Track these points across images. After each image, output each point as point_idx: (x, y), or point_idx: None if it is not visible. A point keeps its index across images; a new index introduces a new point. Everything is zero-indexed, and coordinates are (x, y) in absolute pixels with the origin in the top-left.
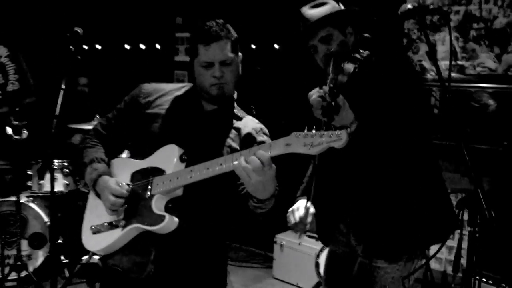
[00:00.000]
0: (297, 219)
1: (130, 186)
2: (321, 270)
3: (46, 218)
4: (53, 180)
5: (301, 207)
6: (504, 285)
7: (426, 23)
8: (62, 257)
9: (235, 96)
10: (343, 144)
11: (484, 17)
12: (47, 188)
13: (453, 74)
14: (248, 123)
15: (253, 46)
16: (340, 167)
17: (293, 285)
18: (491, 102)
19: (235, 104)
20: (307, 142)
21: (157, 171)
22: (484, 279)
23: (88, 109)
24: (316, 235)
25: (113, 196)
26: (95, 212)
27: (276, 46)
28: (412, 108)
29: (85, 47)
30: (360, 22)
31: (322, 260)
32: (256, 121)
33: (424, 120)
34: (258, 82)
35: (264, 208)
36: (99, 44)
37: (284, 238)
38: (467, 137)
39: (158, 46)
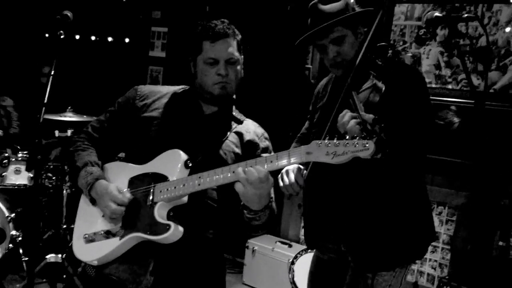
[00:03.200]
0: (292, 180)
1: (129, 192)
2: (296, 277)
3: (6, 212)
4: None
5: (295, 169)
6: None
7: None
8: (22, 254)
9: (234, 97)
10: (370, 154)
11: (470, 34)
12: (10, 180)
13: (435, 86)
14: (250, 127)
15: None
16: (334, 176)
17: None
18: (455, 119)
19: (234, 107)
20: (330, 151)
21: (159, 177)
22: None
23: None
24: (289, 242)
25: (114, 203)
26: (88, 219)
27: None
28: (427, 126)
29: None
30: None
31: (298, 267)
32: (257, 124)
33: (431, 137)
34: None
35: (259, 219)
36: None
37: (256, 243)
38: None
39: (127, 40)
